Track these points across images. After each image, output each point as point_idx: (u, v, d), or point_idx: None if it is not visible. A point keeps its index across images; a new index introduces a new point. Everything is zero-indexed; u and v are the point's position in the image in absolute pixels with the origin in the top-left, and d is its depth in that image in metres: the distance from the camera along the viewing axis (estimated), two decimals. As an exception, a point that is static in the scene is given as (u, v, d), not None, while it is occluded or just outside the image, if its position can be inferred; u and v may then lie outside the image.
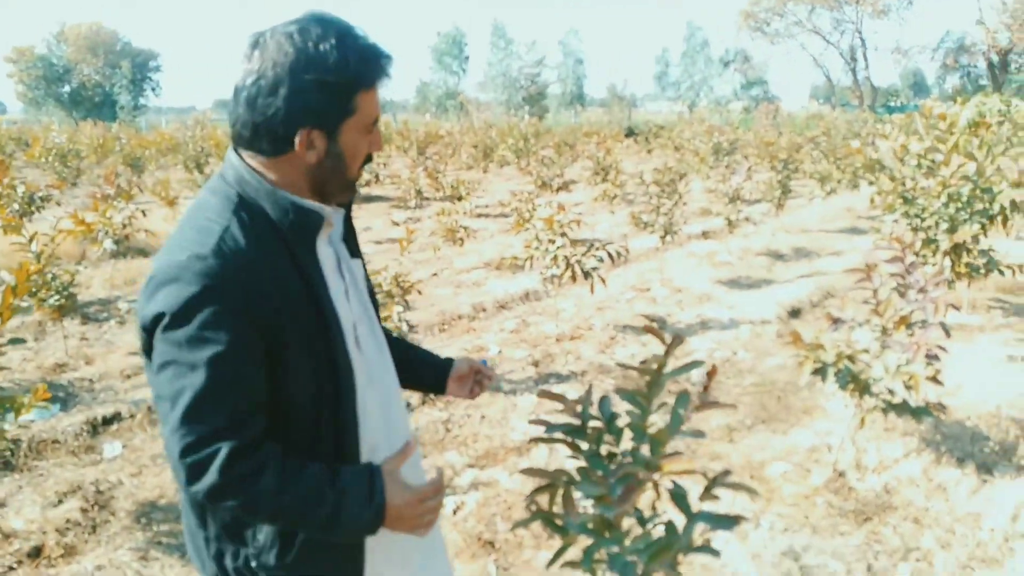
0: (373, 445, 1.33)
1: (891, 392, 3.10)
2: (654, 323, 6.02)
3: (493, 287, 6.99)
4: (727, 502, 3.22)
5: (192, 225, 1.17)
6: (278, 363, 1.17)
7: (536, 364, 4.98)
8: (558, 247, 5.07)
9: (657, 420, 1.79)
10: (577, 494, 1.76)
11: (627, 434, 1.85)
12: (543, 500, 1.74)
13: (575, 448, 1.79)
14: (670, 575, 1.81)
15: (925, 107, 4.44)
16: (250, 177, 1.19)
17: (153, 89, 52.98)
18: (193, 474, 1.11)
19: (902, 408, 3.11)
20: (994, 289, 6.75)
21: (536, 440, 1.84)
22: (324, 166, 1.21)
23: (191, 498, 1.24)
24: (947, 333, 3.01)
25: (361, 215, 11.51)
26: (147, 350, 1.16)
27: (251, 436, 1.13)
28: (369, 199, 13.01)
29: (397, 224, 10.32)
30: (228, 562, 1.24)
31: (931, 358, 2.88)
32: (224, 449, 1.09)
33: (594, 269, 5.17)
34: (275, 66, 1.12)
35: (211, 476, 1.10)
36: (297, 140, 1.16)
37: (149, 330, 1.13)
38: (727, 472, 1.86)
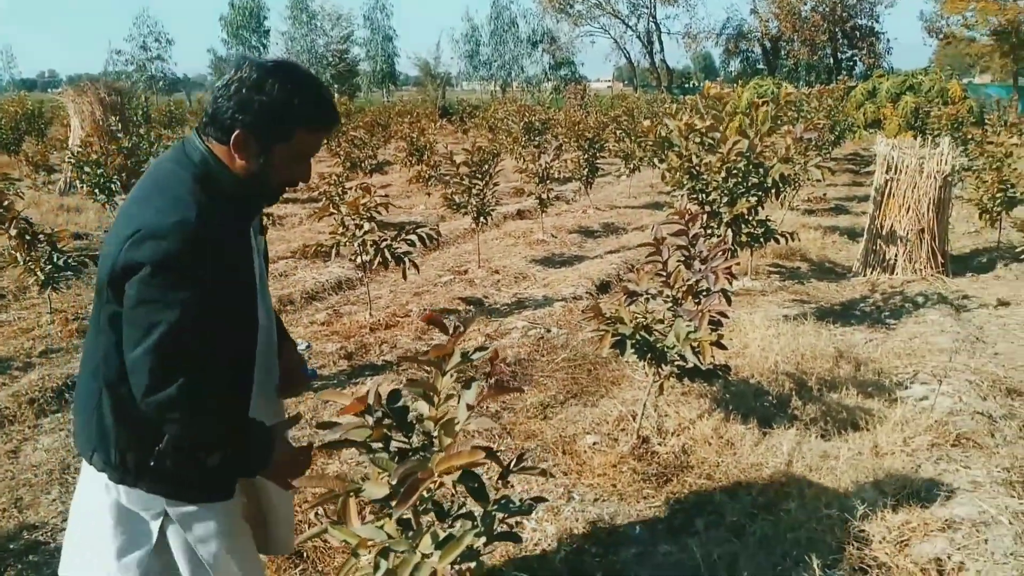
0: (257, 381, 1.69)
1: (683, 359, 3.29)
2: (471, 307, 6.02)
3: (302, 277, 6.64)
4: (542, 477, 3.26)
5: (167, 193, 1.46)
6: (221, 314, 1.48)
7: (349, 357, 4.78)
8: (365, 232, 4.88)
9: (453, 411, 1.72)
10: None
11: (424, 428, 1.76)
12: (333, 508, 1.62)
13: (367, 449, 1.67)
14: (473, 569, 1.76)
15: (706, 87, 4.75)
16: (210, 156, 1.51)
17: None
18: (155, 387, 1.42)
19: (694, 372, 3.31)
20: (772, 256, 7.48)
21: (325, 447, 1.70)
22: (250, 168, 1.52)
23: (127, 410, 1.51)
24: (728, 300, 3.23)
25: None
26: (111, 284, 1.43)
27: (204, 366, 1.46)
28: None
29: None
30: (130, 458, 1.54)
31: (714, 324, 3.07)
32: (186, 372, 1.42)
33: (405, 254, 5.04)
34: (241, 80, 1.46)
35: (170, 390, 1.42)
36: (233, 136, 1.48)
37: (124, 270, 1.40)
38: (522, 456, 1.84)
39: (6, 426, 3.78)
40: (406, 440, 1.67)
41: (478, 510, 1.84)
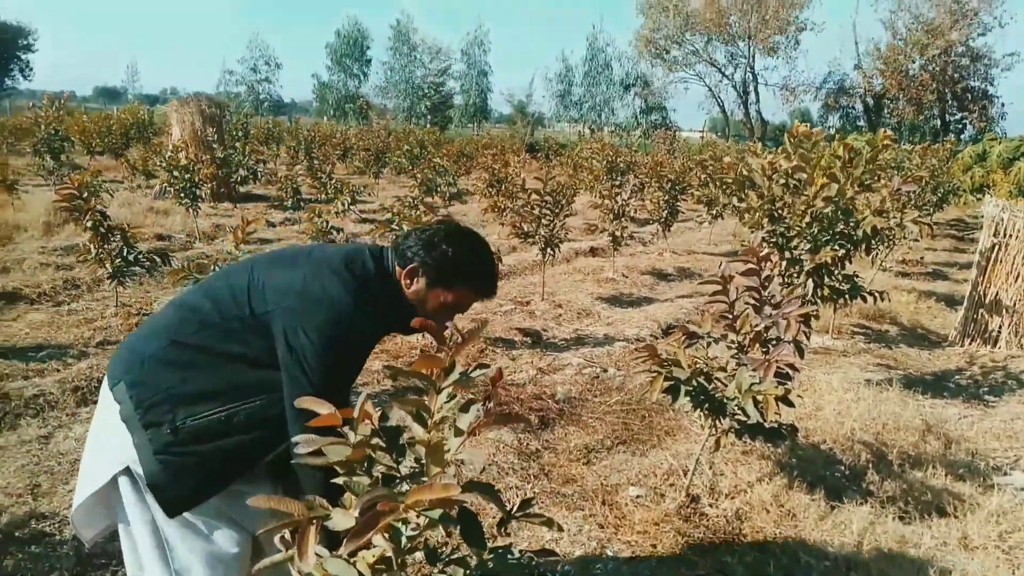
0: None
1: (744, 413, 2.96)
2: (527, 338, 5.78)
3: (363, 293, 6.57)
4: (576, 528, 2.97)
5: (357, 276, 1.74)
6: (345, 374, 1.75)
7: (394, 377, 4.61)
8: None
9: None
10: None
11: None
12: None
13: (347, 471, 1.46)
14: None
15: (794, 126, 4.43)
16: (391, 276, 1.81)
17: (22, 70, 48.30)
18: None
19: (755, 430, 2.96)
20: (858, 316, 6.95)
21: (303, 461, 1.49)
22: (408, 297, 1.82)
23: (195, 376, 1.67)
24: (800, 352, 2.89)
25: (237, 213, 10.80)
26: (271, 311, 1.68)
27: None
28: (249, 198, 12.26)
29: (273, 225, 9.71)
30: (155, 411, 1.63)
31: (782, 377, 2.74)
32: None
33: (463, 277, 4.87)
34: (437, 231, 1.81)
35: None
36: (409, 265, 1.78)
37: (298, 316, 1.66)
38: (528, 501, 1.59)
39: (46, 411, 3.78)
40: (394, 465, 1.45)
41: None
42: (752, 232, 4.69)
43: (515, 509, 1.52)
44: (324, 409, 1.34)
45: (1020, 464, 3.67)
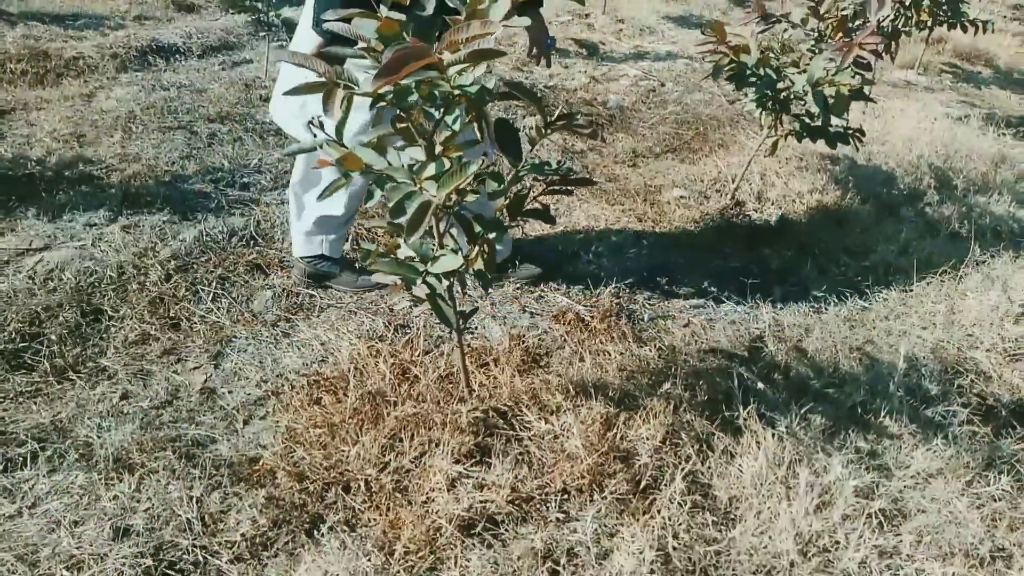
0: None
1: (810, 116, 2.74)
2: (584, 49, 5.40)
3: None
4: (613, 218, 2.94)
5: None
6: None
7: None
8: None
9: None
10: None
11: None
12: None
13: (368, 51, 1.32)
14: (491, 240, 1.48)
15: None
16: None
17: None
18: None
19: (819, 133, 2.76)
20: (951, 54, 6.30)
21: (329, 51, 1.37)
22: None
23: None
24: (889, 41, 2.58)
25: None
26: None
27: None
28: None
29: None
30: None
31: (861, 67, 2.46)
32: None
33: (518, -34, 4.40)
34: None
35: None
36: None
37: None
38: (572, 115, 1.47)
39: (87, 74, 3.73)
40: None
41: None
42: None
43: (556, 119, 1.41)
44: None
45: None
